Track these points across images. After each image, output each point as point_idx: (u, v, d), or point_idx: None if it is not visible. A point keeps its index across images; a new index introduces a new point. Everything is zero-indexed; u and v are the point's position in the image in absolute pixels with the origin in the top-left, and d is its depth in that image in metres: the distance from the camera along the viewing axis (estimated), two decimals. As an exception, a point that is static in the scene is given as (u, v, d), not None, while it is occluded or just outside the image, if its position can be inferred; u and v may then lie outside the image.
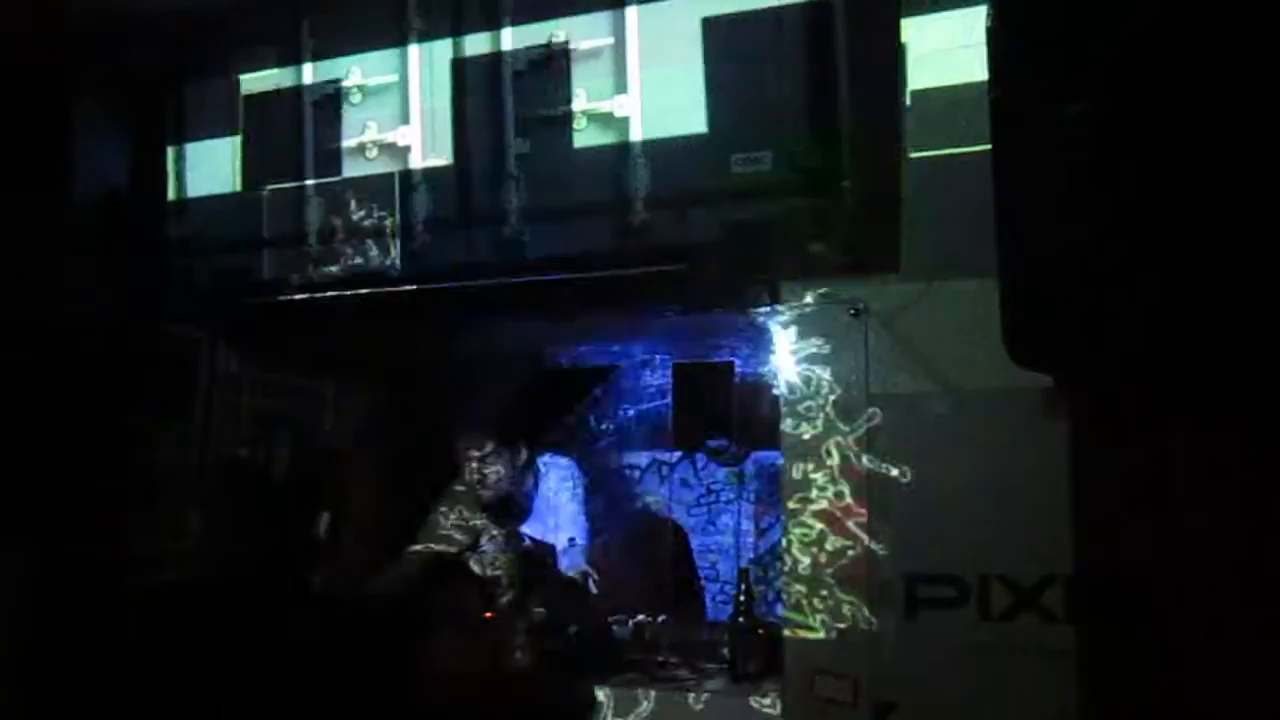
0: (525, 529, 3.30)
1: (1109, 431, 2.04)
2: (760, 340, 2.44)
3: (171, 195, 2.89)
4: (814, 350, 2.31)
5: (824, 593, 2.25)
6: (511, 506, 3.33)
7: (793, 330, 2.33)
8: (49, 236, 2.64)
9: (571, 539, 3.38)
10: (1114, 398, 2.01)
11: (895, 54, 2.27)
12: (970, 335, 2.17)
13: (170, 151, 2.88)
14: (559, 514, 3.27)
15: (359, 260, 2.66)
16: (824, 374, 2.29)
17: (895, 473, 2.22)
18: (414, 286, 2.63)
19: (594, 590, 3.09)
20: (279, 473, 3.29)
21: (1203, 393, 1.83)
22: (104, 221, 2.77)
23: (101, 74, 2.81)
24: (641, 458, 3.49)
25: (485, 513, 3.25)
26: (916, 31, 2.26)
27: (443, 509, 3.27)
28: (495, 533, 3.21)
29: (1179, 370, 1.73)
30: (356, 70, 2.67)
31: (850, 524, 2.24)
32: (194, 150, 2.88)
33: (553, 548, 3.32)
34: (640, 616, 2.94)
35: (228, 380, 3.13)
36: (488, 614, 3.00)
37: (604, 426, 3.55)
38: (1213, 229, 1.49)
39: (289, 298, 2.74)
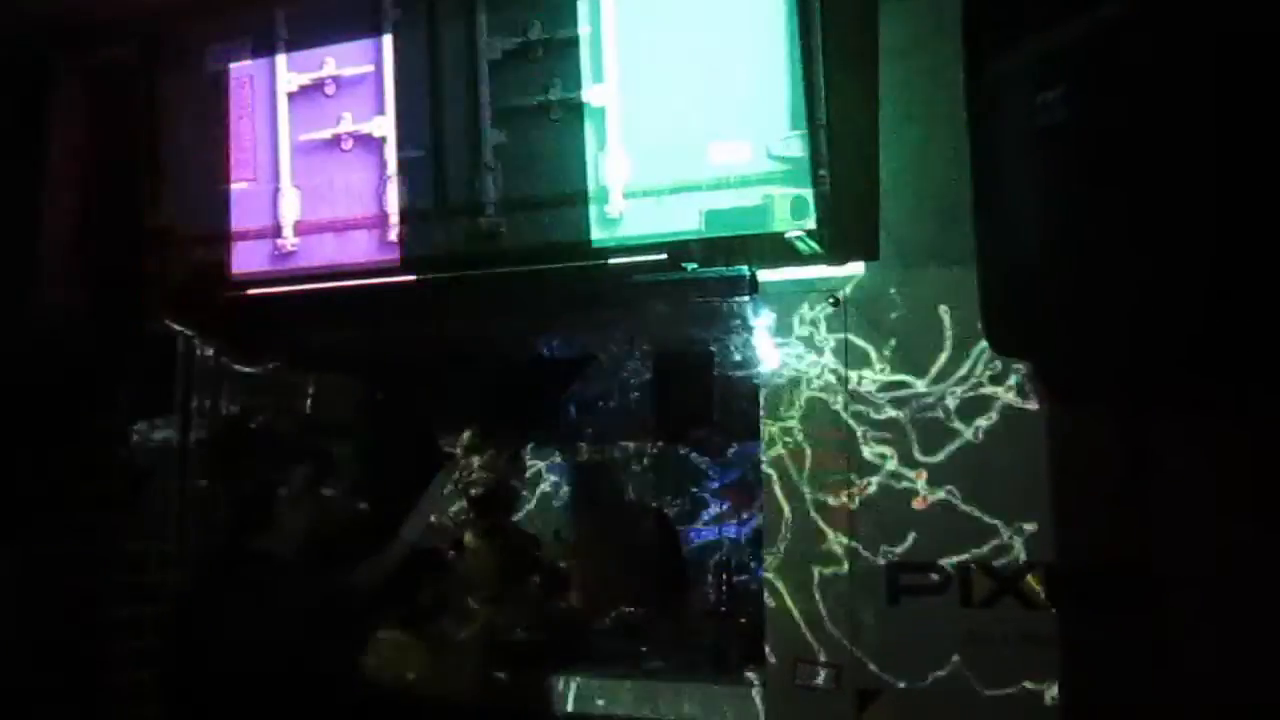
0: (512, 521, 3.31)
1: (1086, 417, 2.05)
2: (740, 330, 2.43)
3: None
4: (794, 339, 2.31)
5: (806, 581, 2.25)
6: (498, 498, 3.32)
7: (772, 319, 2.33)
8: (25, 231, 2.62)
9: (557, 531, 3.39)
10: (1092, 384, 2.02)
11: (874, 43, 2.27)
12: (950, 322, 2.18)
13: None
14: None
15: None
16: (804, 363, 2.29)
17: (876, 460, 2.22)
18: (394, 279, 2.62)
19: (577, 581, 3.11)
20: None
21: (1182, 380, 1.84)
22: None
23: (79, 64, 2.78)
24: (624, 448, 3.49)
25: (472, 505, 3.25)
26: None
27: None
28: (482, 525, 3.21)
29: (1157, 357, 1.73)
30: (331, 61, 2.65)
31: (831, 512, 2.25)
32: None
33: (538, 539, 3.32)
34: (624, 607, 2.95)
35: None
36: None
37: (586, 418, 3.54)
38: (1188, 218, 1.49)
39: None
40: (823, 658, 2.23)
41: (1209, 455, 1.90)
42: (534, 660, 2.68)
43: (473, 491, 3.24)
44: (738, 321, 2.43)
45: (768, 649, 2.29)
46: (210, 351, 3.08)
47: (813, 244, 2.24)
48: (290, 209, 2.68)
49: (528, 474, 3.52)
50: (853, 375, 2.25)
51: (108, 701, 2.87)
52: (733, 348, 2.51)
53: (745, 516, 3.15)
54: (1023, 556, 2.10)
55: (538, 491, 3.49)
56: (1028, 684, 2.07)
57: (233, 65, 2.76)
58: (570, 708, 2.51)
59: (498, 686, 2.70)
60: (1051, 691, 2.05)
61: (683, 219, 2.29)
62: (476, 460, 3.29)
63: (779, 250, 2.28)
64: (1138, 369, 1.88)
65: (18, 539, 2.82)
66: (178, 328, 2.99)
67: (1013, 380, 2.13)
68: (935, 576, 2.16)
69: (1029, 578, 2.10)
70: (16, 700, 2.75)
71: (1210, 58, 1.41)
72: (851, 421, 2.24)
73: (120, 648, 2.93)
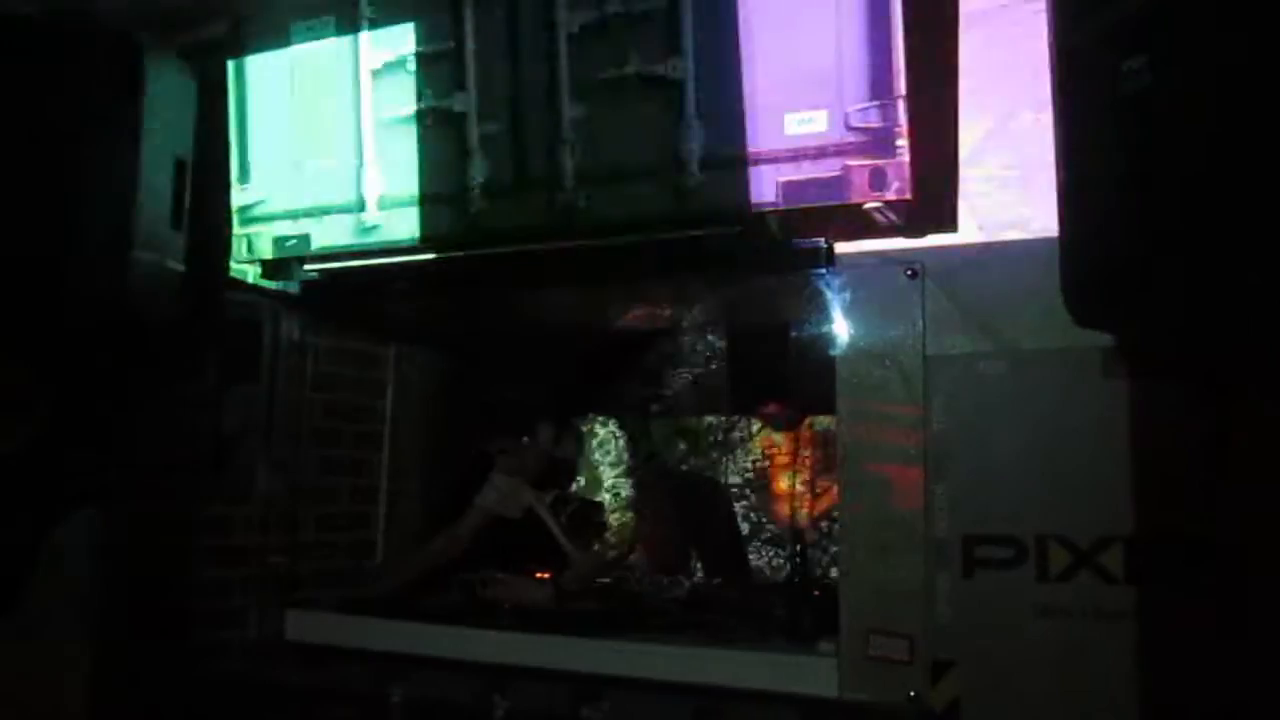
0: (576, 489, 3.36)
1: (1166, 390, 2.02)
2: (816, 302, 2.43)
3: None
4: (870, 312, 2.30)
5: (880, 553, 2.25)
6: (559, 470, 3.38)
7: (848, 292, 2.33)
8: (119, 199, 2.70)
9: (621, 497, 3.43)
10: (1173, 357, 2.00)
11: (954, 8, 2.25)
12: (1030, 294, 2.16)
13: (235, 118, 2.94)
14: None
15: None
16: (880, 335, 2.29)
17: (953, 434, 2.21)
18: (474, 252, 2.66)
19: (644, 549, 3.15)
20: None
21: (1264, 353, 1.81)
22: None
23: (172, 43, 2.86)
24: (696, 421, 3.51)
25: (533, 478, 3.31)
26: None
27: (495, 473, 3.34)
28: (544, 496, 3.26)
29: (1240, 331, 1.71)
30: (412, 37, 2.69)
31: (906, 485, 2.24)
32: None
33: (602, 506, 3.37)
34: (697, 576, 2.98)
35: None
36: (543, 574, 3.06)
37: (659, 390, 3.57)
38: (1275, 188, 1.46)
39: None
40: (897, 629, 2.23)
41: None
42: (600, 625, 2.71)
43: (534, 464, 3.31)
44: (813, 294, 2.43)
45: (841, 620, 2.30)
46: (295, 322, 3.17)
47: (891, 215, 2.23)
48: (373, 184, 2.74)
49: (596, 443, 3.56)
50: (930, 347, 2.24)
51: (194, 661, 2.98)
52: (808, 320, 2.50)
53: (819, 489, 3.16)
54: (1101, 531, 2.08)
55: (605, 460, 3.52)
56: (1102, 659, 2.06)
57: (317, 43, 2.82)
58: (639, 673, 2.53)
59: None
60: (1125, 667, 2.04)
61: (759, 191, 2.29)
62: (546, 430, 3.35)
63: (856, 221, 2.27)
64: (1220, 344, 1.85)
65: (112, 501, 2.92)
66: (264, 298, 3.09)
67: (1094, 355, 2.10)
68: (1011, 549, 2.15)
69: (1106, 552, 2.08)
70: (114, 657, 2.86)
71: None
72: (928, 394, 2.23)
73: (207, 609, 3.03)
